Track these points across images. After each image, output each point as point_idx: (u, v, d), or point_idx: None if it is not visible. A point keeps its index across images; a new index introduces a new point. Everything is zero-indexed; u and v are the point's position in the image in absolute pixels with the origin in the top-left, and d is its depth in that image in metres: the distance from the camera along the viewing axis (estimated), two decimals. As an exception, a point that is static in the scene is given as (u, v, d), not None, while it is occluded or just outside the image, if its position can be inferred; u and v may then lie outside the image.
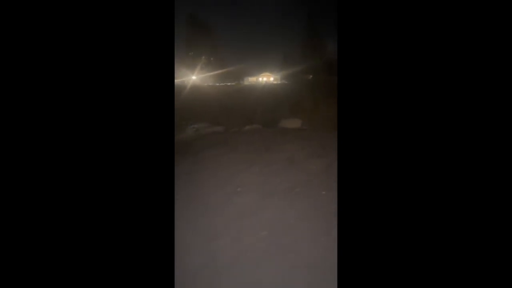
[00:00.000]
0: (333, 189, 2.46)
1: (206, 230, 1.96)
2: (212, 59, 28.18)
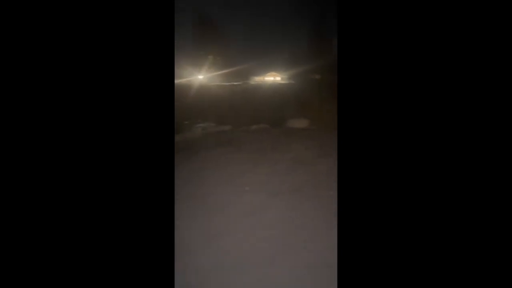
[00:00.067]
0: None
1: (211, 229, 1.98)
2: (219, 58, 28.30)
